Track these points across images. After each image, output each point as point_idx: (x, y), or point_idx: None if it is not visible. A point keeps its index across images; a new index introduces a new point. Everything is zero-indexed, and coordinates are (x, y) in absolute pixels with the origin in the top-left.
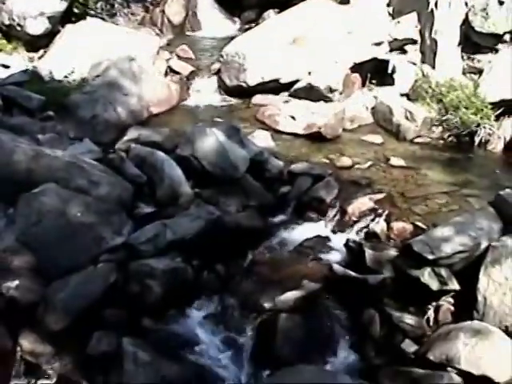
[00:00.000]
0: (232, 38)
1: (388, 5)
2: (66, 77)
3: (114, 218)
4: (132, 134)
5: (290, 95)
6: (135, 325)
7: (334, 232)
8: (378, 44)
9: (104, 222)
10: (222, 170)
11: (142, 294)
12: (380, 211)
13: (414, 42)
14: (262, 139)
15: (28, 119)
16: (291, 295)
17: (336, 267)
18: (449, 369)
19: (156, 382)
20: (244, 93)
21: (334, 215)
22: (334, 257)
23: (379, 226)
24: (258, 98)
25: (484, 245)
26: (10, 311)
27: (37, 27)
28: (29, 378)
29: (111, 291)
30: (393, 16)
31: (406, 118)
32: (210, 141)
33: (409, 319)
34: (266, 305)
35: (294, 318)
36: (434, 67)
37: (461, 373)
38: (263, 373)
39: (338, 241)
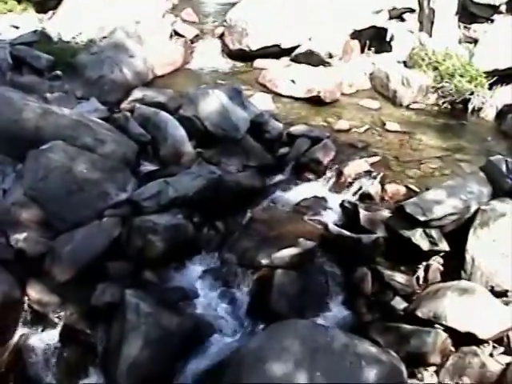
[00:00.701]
0: (235, 2)
1: None
2: (73, 38)
3: (118, 175)
4: (137, 94)
5: (290, 60)
6: (138, 278)
7: (330, 192)
8: (378, 12)
9: (109, 178)
10: (224, 131)
11: (145, 249)
12: (375, 174)
13: (412, 10)
14: (262, 102)
15: (37, 78)
16: (287, 252)
17: (331, 226)
18: (436, 325)
19: (157, 331)
20: (246, 57)
21: (331, 176)
22: (330, 216)
23: (374, 187)
24: (259, 62)
25: (474, 208)
26: (19, 262)
27: None
28: (36, 326)
29: (115, 245)
30: None
31: (403, 84)
32: (213, 102)
33: (399, 277)
34: (263, 261)
35: (290, 274)
36: (431, 36)
37: (447, 329)
38: (259, 325)
39: (334, 201)
